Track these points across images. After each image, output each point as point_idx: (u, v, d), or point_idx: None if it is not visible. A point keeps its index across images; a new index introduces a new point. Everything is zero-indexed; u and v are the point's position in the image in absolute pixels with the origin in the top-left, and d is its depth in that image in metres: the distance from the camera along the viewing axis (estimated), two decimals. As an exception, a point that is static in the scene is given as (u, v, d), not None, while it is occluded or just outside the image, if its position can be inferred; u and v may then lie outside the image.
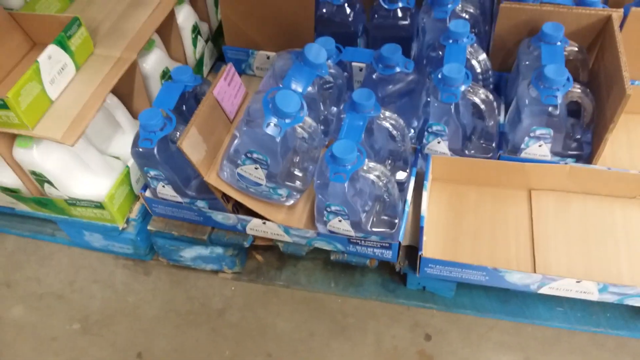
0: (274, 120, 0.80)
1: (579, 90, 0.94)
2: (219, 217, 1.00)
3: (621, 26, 1.03)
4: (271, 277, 1.11)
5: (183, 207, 1.00)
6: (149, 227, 1.06)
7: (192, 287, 1.12)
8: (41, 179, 1.00)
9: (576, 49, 1.02)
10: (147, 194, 1.03)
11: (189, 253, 1.09)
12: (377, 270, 1.08)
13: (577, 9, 1.02)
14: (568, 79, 0.92)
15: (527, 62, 1.03)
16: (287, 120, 0.81)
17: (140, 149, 0.92)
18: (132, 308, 1.09)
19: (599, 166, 0.98)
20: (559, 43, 0.99)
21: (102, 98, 0.99)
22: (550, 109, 0.93)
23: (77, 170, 1.01)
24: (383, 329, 1.02)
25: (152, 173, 0.96)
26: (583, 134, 1.03)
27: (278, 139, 0.80)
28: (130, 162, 1.07)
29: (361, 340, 1.01)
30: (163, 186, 0.98)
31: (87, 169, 1.02)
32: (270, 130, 0.80)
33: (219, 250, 1.07)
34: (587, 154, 1.01)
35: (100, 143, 1.09)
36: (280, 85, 0.88)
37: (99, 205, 1.02)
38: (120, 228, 1.07)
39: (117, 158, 1.09)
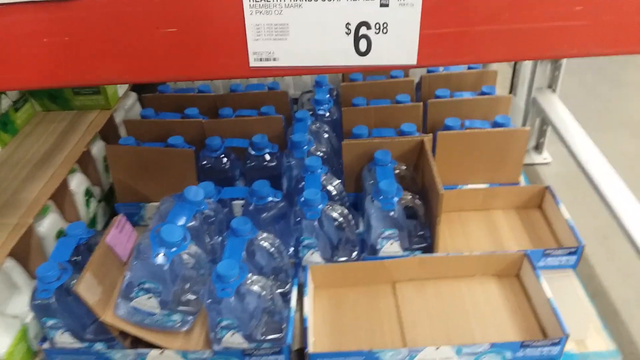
0: (161, 250, 0.94)
1: (410, 197, 1.20)
2: (117, 355, 1.05)
3: (435, 147, 1.36)
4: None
5: (81, 351, 1.05)
6: (48, 381, 1.08)
7: None
8: None
9: (404, 167, 1.31)
10: (46, 345, 1.07)
11: (92, 401, 1.10)
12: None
13: (399, 138, 1.33)
14: (398, 189, 1.18)
15: (370, 182, 1.30)
16: (173, 249, 0.95)
17: (38, 301, 1.00)
18: None
19: (440, 254, 1.21)
20: (389, 164, 1.27)
21: (1, 262, 1.06)
22: (390, 213, 1.17)
23: (-27, 334, 1.04)
24: None
25: (51, 322, 1.02)
26: (424, 230, 1.27)
27: (166, 267, 0.93)
28: (27, 319, 1.11)
29: None
30: (62, 333, 1.03)
31: (-17, 330, 1.05)
32: (159, 259, 0.93)
33: (122, 391, 1.10)
34: (429, 245, 1.25)
35: (-3, 305, 1.13)
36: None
37: (-4, 365, 1.03)
38: (18, 388, 1.07)
39: (15, 317, 1.13)
